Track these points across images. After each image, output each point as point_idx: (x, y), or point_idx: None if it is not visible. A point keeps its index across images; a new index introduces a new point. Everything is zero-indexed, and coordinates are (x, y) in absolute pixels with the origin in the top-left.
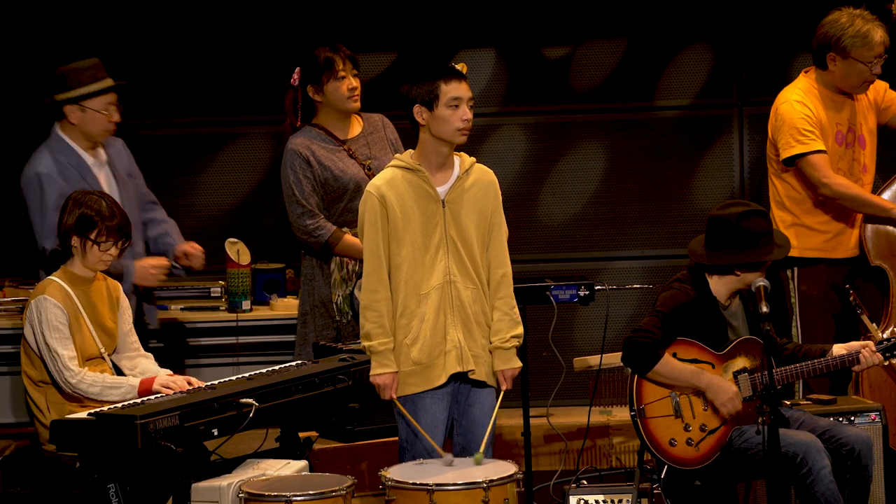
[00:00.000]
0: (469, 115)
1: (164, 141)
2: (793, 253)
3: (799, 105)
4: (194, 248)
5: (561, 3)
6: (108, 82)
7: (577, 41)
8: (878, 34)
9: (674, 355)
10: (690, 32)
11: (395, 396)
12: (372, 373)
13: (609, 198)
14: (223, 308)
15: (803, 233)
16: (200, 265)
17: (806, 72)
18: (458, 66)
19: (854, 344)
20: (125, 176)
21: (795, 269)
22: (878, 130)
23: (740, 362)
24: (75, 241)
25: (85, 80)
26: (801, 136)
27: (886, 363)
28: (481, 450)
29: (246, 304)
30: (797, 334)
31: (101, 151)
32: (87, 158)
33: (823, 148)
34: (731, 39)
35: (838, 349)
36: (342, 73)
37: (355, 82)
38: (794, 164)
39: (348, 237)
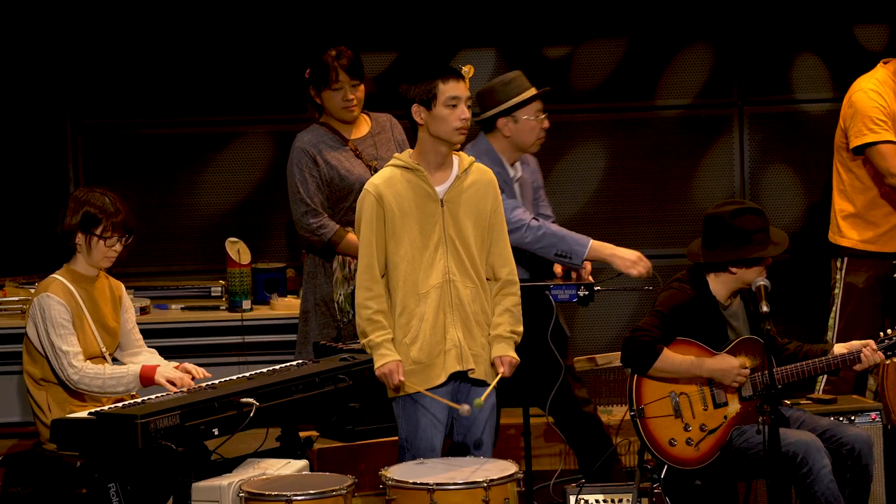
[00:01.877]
0: (467, 114)
1: (164, 141)
2: (845, 243)
3: (874, 94)
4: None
5: (561, 3)
6: (533, 91)
7: (578, 41)
8: None
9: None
10: (691, 32)
11: (403, 380)
12: (375, 365)
13: (609, 197)
14: (223, 308)
15: (860, 224)
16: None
17: (885, 62)
18: (465, 69)
19: (855, 343)
20: (532, 193)
21: (845, 259)
22: None
23: (740, 362)
24: (80, 238)
25: (513, 92)
26: (874, 125)
27: (888, 362)
28: (482, 397)
29: (246, 304)
30: (835, 325)
31: (518, 167)
32: (508, 171)
33: (894, 139)
34: (731, 39)
35: (839, 348)
36: (337, 85)
37: (352, 94)
38: (863, 153)
39: (351, 236)
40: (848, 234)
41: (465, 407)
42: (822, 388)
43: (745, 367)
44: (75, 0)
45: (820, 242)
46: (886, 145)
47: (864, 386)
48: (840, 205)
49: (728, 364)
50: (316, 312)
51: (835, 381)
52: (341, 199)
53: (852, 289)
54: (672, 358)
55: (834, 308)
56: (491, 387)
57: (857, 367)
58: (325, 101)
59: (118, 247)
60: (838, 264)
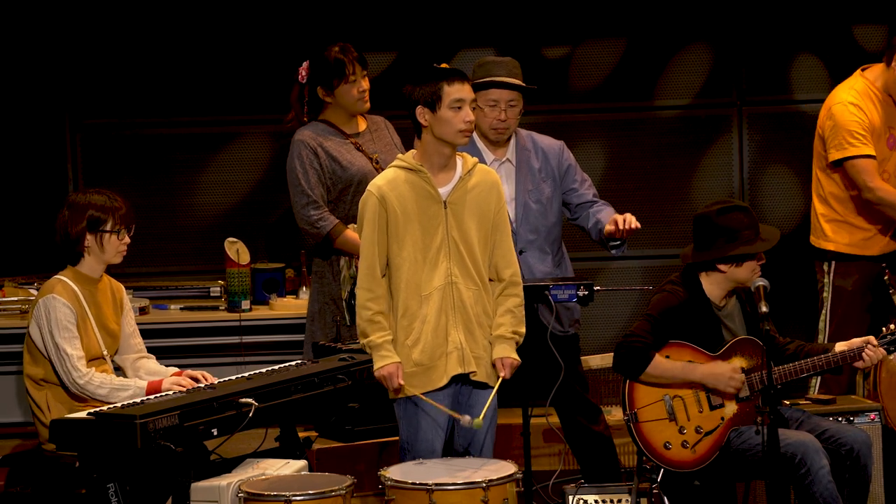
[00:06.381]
0: (471, 116)
1: (164, 141)
2: (831, 247)
3: (853, 107)
4: (625, 220)
5: (560, 3)
6: (488, 79)
7: (577, 41)
8: None
9: (666, 358)
10: (690, 32)
11: (402, 383)
12: (375, 367)
13: (608, 197)
14: (222, 308)
15: (844, 228)
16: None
17: (863, 70)
18: (443, 67)
19: (856, 340)
20: (532, 176)
21: (833, 262)
22: None
23: (737, 363)
24: (90, 240)
25: (476, 76)
26: (853, 139)
27: (891, 357)
28: (481, 416)
29: (245, 304)
30: (825, 328)
31: (507, 150)
32: (488, 156)
33: (873, 153)
34: (730, 39)
35: (840, 346)
36: (353, 77)
37: (365, 84)
38: (841, 165)
39: (349, 232)
40: (833, 237)
41: (467, 417)
42: (816, 389)
43: (740, 371)
44: (75, 0)
45: None
46: (864, 160)
47: (855, 389)
48: (821, 209)
49: (720, 370)
50: (323, 313)
51: (829, 384)
52: (344, 191)
53: (841, 292)
54: (664, 364)
55: (823, 311)
56: (491, 397)
57: (859, 364)
58: (340, 95)
59: (127, 239)
60: (825, 268)
